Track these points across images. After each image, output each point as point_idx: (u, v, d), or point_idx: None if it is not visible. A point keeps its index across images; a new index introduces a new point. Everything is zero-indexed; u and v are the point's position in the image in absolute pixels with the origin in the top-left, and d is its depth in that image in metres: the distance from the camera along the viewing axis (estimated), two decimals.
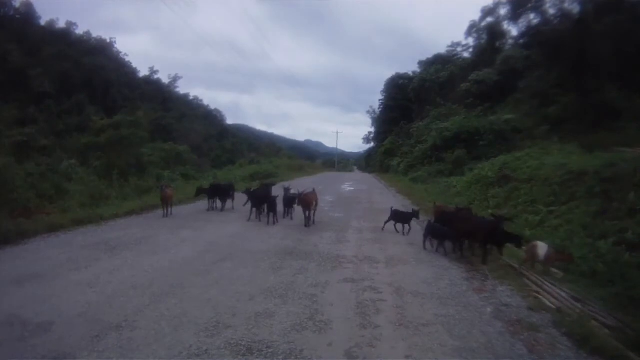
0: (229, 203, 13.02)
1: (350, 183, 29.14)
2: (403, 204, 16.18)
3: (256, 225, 10.27)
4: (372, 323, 4.49)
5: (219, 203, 12.91)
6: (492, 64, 29.88)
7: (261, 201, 10.90)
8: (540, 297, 5.43)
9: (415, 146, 32.90)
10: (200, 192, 13.15)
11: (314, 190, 10.97)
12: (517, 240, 6.99)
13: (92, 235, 8.47)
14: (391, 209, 10.12)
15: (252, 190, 11.54)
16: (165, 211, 11.18)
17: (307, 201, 10.29)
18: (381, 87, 57.51)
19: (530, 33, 25.20)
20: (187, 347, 3.77)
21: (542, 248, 6.36)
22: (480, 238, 7.20)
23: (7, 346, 3.71)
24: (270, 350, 3.78)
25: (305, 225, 10.07)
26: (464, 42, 43.68)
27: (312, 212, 10.56)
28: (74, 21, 60.69)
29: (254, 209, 11.02)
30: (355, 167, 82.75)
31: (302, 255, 7.38)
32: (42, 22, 54.17)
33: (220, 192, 12.83)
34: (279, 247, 7.92)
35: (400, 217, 9.86)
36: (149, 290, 5.25)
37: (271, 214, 10.56)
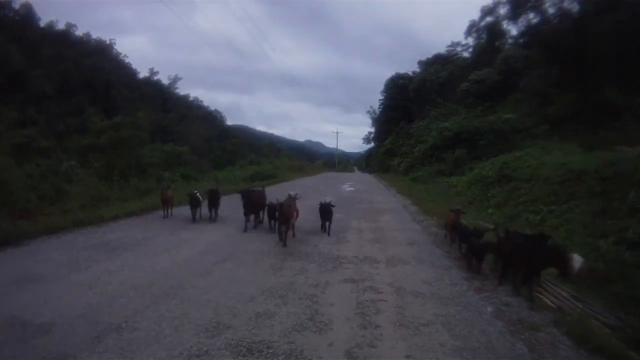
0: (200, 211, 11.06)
1: (350, 183, 29.18)
2: (403, 204, 16.20)
3: (255, 226, 10.20)
4: (372, 323, 4.49)
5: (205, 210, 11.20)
6: (492, 63, 29.83)
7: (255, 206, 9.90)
8: (540, 296, 5.43)
9: (415, 146, 32.91)
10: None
11: (290, 196, 8.55)
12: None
13: (92, 237, 8.47)
14: (461, 226, 7.87)
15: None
16: (166, 212, 11.12)
17: (287, 214, 8.08)
18: (381, 87, 57.77)
19: (529, 32, 25.19)
20: (188, 348, 3.77)
21: (577, 261, 6.17)
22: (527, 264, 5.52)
23: (8, 347, 3.71)
24: (270, 351, 3.78)
25: (283, 245, 7.99)
26: (463, 42, 43.66)
27: (291, 226, 8.57)
28: (73, 22, 60.73)
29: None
30: (356, 168, 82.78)
31: (302, 255, 7.38)
32: (42, 24, 54.11)
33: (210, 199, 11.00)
34: (279, 247, 7.92)
35: (466, 236, 7.30)
36: (149, 291, 5.25)
37: (270, 221, 9.57)
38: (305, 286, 5.67)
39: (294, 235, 8.70)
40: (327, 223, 9.53)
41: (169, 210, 11.28)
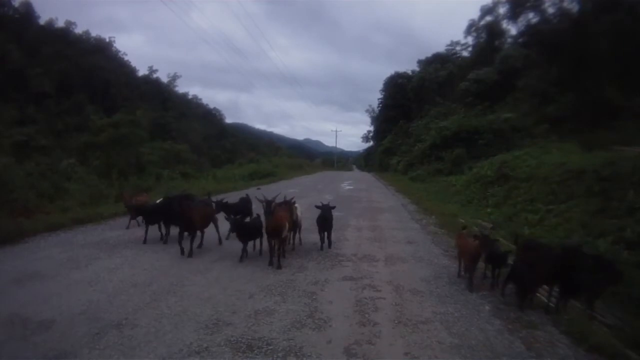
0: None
1: (349, 182, 29.17)
2: (402, 203, 16.22)
3: None
4: (371, 320, 4.52)
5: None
6: (491, 62, 29.87)
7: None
8: (538, 295, 5.44)
9: (414, 145, 32.93)
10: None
11: (286, 200, 7.26)
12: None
13: (92, 234, 8.47)
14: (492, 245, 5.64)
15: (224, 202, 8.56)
16: (131, 221, 9.11)
17: (276, 225, 6.32)
18: (380, 85, 57.87)
19: (529, 32, 25.20)
20: (188, 345, 3.80)
21: None
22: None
23: (8, 345, 3.73)
24: (270, 348, 3.80)
25: (270, 263, 6.48)
26: (463, 41, 43.67)
27: (285, 240, 6.94)
28: (73, 20, 60.50)
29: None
30: (354, 166, 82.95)
31: (301, 253, 7.40)
32: (41, 22, 54.01)
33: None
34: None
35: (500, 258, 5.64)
36: (149, 288, 5.27)
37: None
38: (304, 284, 5.69)
39: (284, 254, 6.90)
40: (326, 233, 7.78)
41: (136, 220, 9.13)
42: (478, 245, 5.54)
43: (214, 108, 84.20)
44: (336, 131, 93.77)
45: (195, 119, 65.59)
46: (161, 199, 8.56)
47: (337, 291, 5.47)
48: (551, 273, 4.99)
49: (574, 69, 19.34)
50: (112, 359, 3.55)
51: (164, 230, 8.15)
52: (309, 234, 9.02)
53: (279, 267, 6.37)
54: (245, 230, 6.74)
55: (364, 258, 7.24)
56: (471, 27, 38.42)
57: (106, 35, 68.74)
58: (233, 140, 71.25)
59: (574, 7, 21.63)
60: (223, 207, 8.29)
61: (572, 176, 10.26)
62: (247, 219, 7.34)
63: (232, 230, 6.74)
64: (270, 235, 6.45)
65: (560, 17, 22.15)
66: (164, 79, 70.19)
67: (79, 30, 59.39)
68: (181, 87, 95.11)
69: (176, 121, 54.88)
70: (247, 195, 9.49)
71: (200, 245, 7.51)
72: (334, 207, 7.92)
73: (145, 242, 7.79)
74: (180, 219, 7.05)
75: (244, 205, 8.91)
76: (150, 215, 8.10)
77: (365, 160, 75.67)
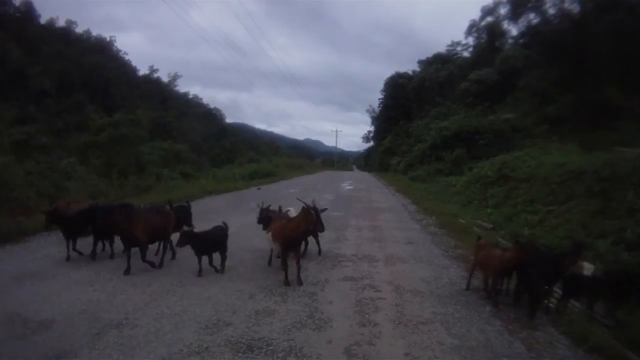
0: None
1: (349, 182, 29.17)
2: (402, 203, 16.22)
3: (255, 223, 10.07)
4: (371, 321, 4.52)
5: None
6: (492, 63, 29.90)
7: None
8: None
9: (414, 145, 32.97)
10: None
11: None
12: None
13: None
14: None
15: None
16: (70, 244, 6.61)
17: (277, 233, 5.76)
18: (380, 85, 57.82)
19: (530, 33, 25.20)
20: (188, 345, 3.79)
21: (587, 269, 5.37)
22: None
23: (8, 344, 3.72)
24: (270, 348, 3.80)
25: (299, 282, 5.65)
26: (463, 42, 43.68)
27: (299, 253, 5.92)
28: (73, 19, 60.50)
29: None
30: (355, 166, 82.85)
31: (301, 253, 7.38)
32: (42, 21, 54.04)
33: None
34: None
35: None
36: (149, 288, 5.27)
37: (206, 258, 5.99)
38: (304, 284, 5.69)
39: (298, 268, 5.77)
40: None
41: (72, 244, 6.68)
42: (511, 256, 4.92)
43: (214, 107, 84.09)
44: (336, 131, 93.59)
45: (195, 118, 65.48)
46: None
47: (337, 291, 5.47)
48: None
49: (574, 69, 19.36)
50: (112, 358, 3.55)
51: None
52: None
53: (301, 282, 5.64)
54: (201, 241, 5.90)
55: (364, 258, 7.24)
56: (472, 28, 38.50)
57: (107, 35, 68.54)
58: (233, 140, 71.13)
59: (574, 8, 21.66)
60: None
61: (572, 177, 10.26)
62: (187, 228, 6.61)
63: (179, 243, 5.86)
64: (288, 247, 5.65)
65: (560, 18, 22.15)
66: (165, 79, 70.06)
67: (79, 29, 59.50)
68: (181, 87, 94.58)
69: (176, 121, 54.83)
70: (187, 203, 8.06)
71: (159, 264, 6.25)
72: (324, 209, 6.24)
73: (68, 259, 6.44)
74: (121, 232, 5.97)
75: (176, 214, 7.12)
76: (65, 225, 6.57)
77: (365, 161, 75.60)
